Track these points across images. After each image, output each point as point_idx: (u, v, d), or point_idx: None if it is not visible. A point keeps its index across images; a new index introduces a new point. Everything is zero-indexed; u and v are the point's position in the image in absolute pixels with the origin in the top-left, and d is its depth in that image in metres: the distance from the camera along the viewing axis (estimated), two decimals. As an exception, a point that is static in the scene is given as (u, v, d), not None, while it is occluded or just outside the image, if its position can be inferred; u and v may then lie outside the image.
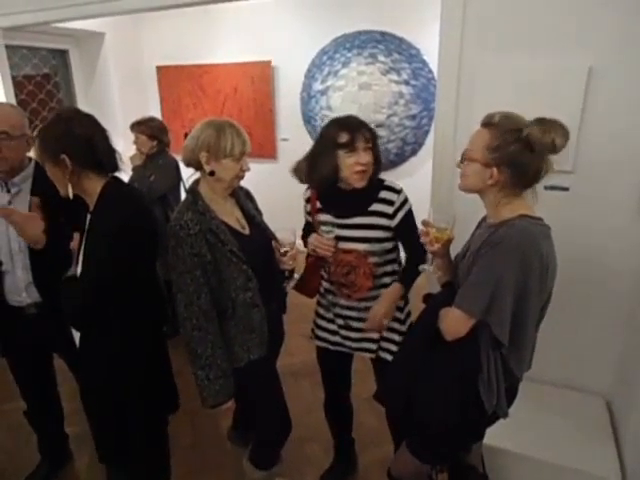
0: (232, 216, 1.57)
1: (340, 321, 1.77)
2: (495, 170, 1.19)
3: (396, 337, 1.73)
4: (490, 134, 1.20)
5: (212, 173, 1.47)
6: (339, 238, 1.65)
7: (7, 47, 3.45)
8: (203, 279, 1.43)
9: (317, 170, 1.60)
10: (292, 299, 1.83)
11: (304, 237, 1.82)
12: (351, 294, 1.68)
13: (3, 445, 2.38)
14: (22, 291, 1.75)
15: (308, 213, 1.79)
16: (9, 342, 1.88)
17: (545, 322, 1.32)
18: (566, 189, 1.86)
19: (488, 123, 1.22)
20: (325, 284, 1.79)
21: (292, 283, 1.77)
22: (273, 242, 1.63)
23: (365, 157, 1.55)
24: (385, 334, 1.74)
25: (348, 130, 1.54)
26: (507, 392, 1.32)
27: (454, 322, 1.26)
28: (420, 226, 1.43)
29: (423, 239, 1.40)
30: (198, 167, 1.50)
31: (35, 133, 1.81)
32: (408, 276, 1.67)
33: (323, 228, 1.68)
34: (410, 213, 1.67)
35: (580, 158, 1.82)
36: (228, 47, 4.76)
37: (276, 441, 1.73)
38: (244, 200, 1.66)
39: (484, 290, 1.18)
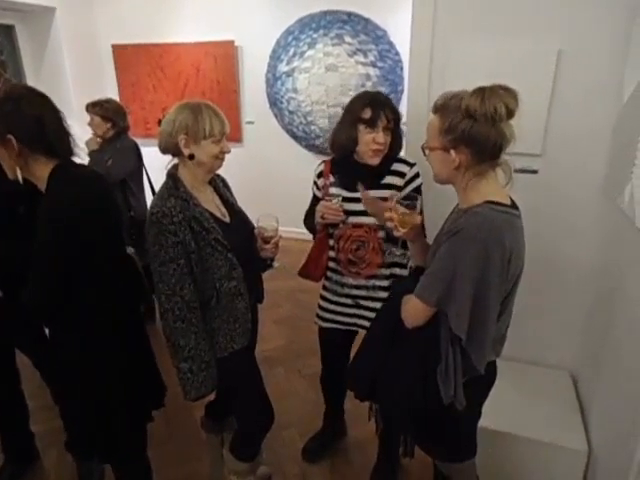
0: (212, 203, 1.53)
1: (349, 301, 1.78)
2: (453, 152, 1.17)
3: None
4: (440, 118, 1.19)
5: (192, 156, 1.42)
6: (350, 212, 1.66)
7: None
8: (187, 268, 1.39)
9: (338, 138, 1.67)
10: (264, 286, 1.79)
11: (307, 219, 1.80)
12: (360, 271, 1.69)
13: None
14: (-21, 286, 1.65)
15: (318, 188, 1.78)
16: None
17: (515, 301, 1.32)
18: (535, 172, 1.90)
19: (435, 108, 1.22)
20: (331, 264, 1.79)
21: (273, 270, 1.72)
22: (255, 229, 1.59)
23: (383, 137, 1.59)
24: None
25: (372, 107, 1.58)
26: (480, 381, 1.30)
27: (412, 310, 1.26)
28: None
29: (389, 224, 1.39)
30: (176, 152, 1.45)
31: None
32: None
33: (331, 199, 1.68)
34: (419, 189, 1.67)
35: (548, 141, 1.86)
36: (188, 25, 4.57)
37: (259, 432, 1.71)
38: (222, 188, 1.63)
39: (441, 280, 1.17)
